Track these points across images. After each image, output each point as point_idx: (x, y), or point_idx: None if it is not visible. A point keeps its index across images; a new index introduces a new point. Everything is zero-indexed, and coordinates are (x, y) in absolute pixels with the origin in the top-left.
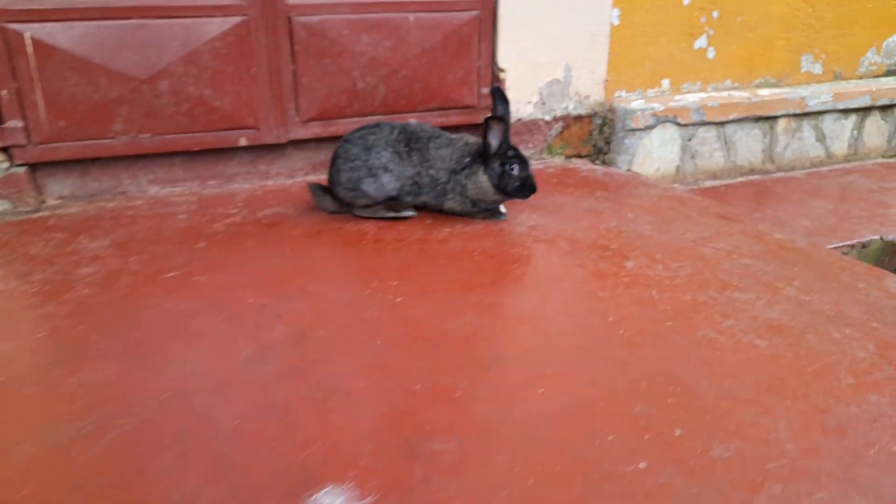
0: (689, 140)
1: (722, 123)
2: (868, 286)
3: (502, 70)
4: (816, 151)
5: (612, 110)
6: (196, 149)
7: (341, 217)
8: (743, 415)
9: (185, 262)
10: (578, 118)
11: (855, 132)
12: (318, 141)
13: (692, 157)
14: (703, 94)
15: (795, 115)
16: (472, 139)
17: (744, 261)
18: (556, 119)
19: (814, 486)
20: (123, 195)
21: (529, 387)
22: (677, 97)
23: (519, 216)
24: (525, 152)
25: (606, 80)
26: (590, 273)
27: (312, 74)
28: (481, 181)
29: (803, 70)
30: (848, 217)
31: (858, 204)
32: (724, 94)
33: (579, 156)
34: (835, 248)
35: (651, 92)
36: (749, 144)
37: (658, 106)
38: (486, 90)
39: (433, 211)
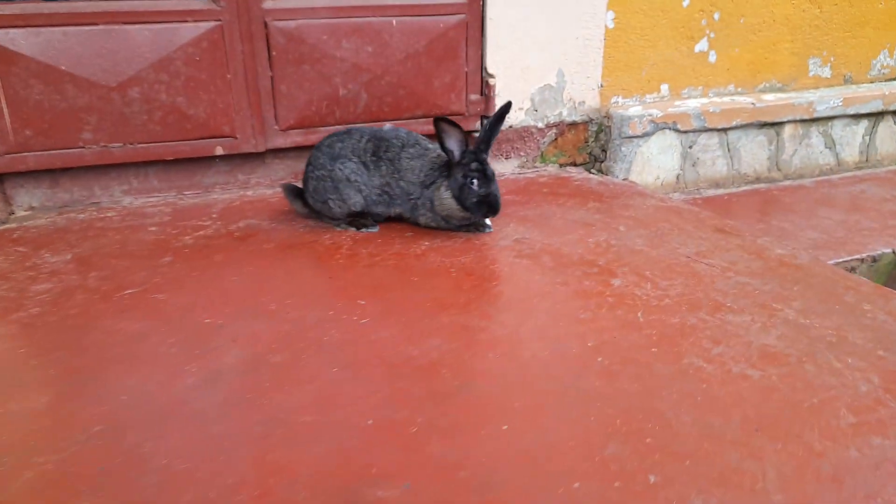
0: (691, 147)
1: (725, 130)
2: (874, 308)
3: (492, 76)
4: (825, 159)
5: (608, 117)
6: (170, 158)
7: (318, 228)
8: (728, 459)
9: (145, 278)
10: (573, 125)
11: (866, 138)
12: (299, 150)
13: (693, 164)
14: (704, 100)
15: (803, 121)
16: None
17: (740, 279)
18: (549, 126)
19: None
20: (96, 206)
21: (493, 422)
22: (677, 103)
23: (504, 229)
24: (517, 160)
25: (602, 86)
26: (573, 292)
27: (291, 81)
28: (444, 197)
29: (811, 74)
30: (858, 229)
31: (870, 214)
32: (727, 99)
33: (574, 164)
34: (843, 262)
35: (649, 97)
36: (754, 152)
37: (656, 112)
38: (474, 97)
39: (411, 223)
